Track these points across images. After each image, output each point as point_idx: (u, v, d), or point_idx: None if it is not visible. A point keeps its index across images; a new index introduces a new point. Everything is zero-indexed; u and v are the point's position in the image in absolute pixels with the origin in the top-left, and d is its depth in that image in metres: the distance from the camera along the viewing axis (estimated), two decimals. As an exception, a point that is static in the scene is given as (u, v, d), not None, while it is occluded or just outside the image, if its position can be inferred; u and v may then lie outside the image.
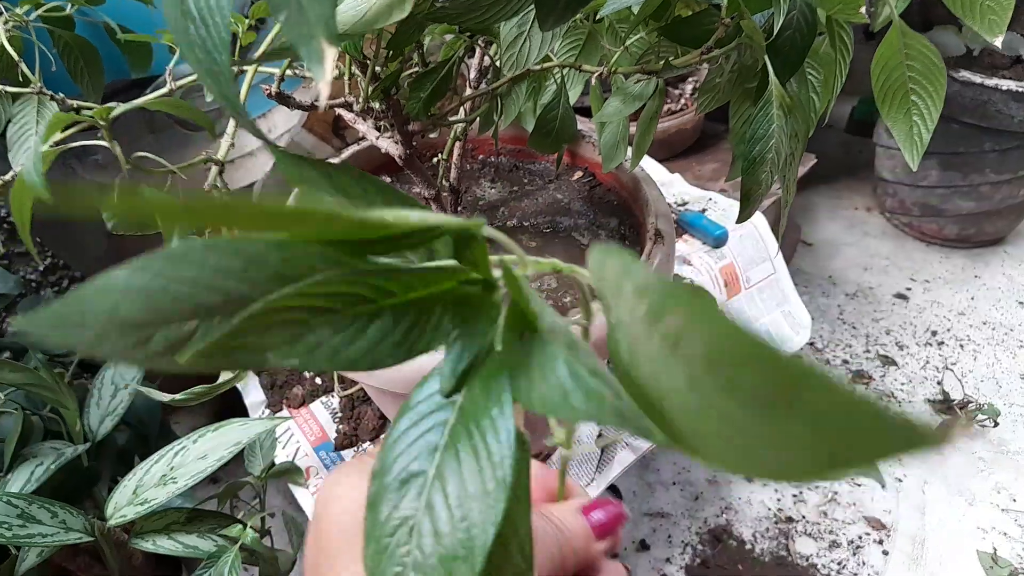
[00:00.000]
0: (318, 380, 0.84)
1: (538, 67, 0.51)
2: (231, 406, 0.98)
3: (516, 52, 0.48)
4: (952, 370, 1.28)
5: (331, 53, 0.19)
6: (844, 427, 0.12)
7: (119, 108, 0.39)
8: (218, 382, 0.37)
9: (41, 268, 1.05)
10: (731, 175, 0.55)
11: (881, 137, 1.48)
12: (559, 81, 0.58)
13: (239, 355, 0.18)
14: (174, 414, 1.19)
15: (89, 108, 0.39)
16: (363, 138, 0.69)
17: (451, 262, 0.22)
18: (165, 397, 0.36)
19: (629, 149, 0.60)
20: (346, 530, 0.26)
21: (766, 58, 0.46)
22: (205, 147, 0.86)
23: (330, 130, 1.01)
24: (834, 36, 0.49)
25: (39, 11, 0.61)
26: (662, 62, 0.46)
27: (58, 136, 0.59)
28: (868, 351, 1.32)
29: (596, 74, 0.49)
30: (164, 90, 0.61)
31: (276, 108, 0.99)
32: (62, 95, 0.57)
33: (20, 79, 0.56)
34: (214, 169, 0.40)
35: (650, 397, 0.17)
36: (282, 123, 0.98)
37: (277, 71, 0.50)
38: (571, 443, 0.27)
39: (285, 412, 0.82)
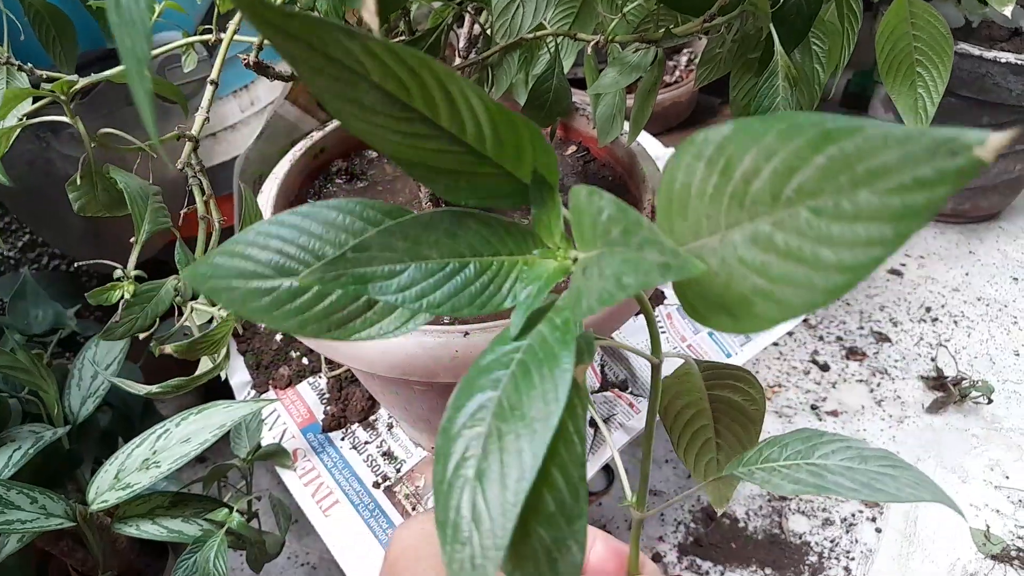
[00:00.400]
0: (305, 360, 0.82)
1: (531, 35, 0.49)
2: (217, 386, 0.96)
3: (508, 19, 0.46)
4: (946, 347, 1.27)
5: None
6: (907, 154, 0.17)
7: (80, 82, 0.36)
8: (197, 373, 0.35)
9: (20, 245, 1.02)
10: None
11: (877, 111, 1.46)
12: (553, 51, 0.55)
13: (347, 283, 0.23)
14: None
15: (51, 81, 0.37)
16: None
17: (532, 232, 0.27)
18: (141, 389, 0.34)
19: (626, 123, 0.58)
20: (410, 555, 0.32)
21: (771, 27, 0.44)
22: (184, 119, 0.83)
23: (315, 101, 0.98)
24: (842, 3, 0.47)
25: (6, -24, 0.58)
26: (662, 31, 0.44)
27: (28, 109, 0.56)
28: (862, 327, 1.31)
29: (592, 43, 0.47)
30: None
31: (259, 80, 0.96)
32: (31, 65, 0.54)
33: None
34: (188, 145, 0.38)
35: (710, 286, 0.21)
36: (265, 95, 0.95)
37: (255, 39, 0.47)
38: (644, 506, 0.28)
39: (271, 393, 0.81)
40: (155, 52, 0.58)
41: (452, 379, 0.51)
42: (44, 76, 0.55)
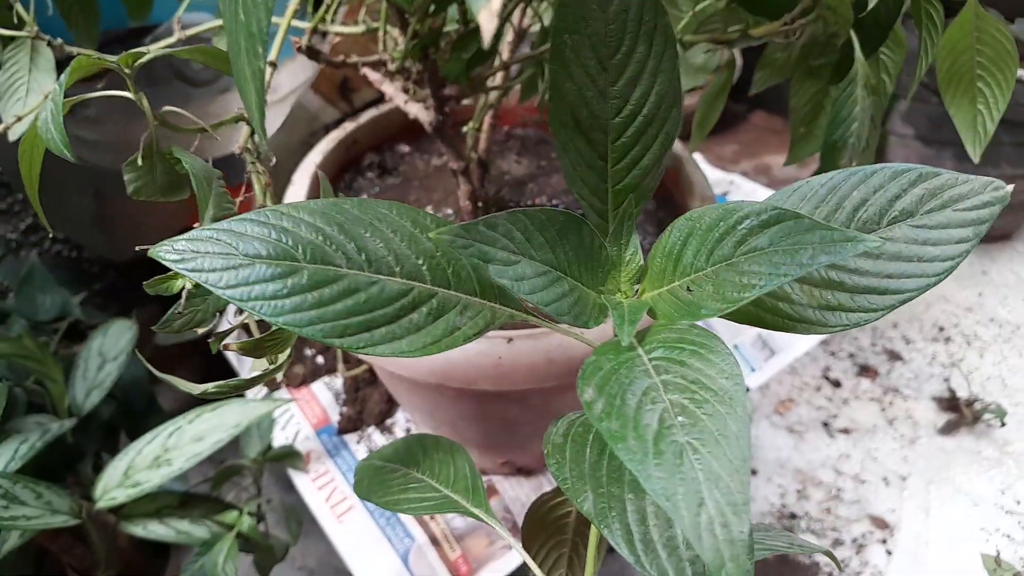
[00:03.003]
0: (320, 359, 0.80)
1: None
2: (221, 378, 0.93)
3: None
4: (958, 367, 1.25)
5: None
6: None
7: (148, 54, 0.34)
8: (255, 374, 0.32)
9: (22, 228, 0.99)
10: (791, 158, 0.51)
11: (895, 126, 1.44)
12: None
13: (472, 254, 0.25)
14: (159, 385, 1.14)
15: (110, 55, 0.34)
16: (374, 102, 0.64)
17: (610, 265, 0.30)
18: (195, 389, 0.31)
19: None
20: None
21: (852, 33, 0.42)
22: (206, 104, 0.80)
23: (336, 92, 0.95)
24: (920, 12, 0.45)
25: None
26: (737, 32, 0.41)
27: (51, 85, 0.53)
28: (875, 344, 1.29)
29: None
30: (172, 39, 0.55)
31: (280, 67, 0.93)
32: (60, 40, 0.51)
33: (15, 21, 0.50)
34: (245, 128, 0.35)
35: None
36: (287, 83, 0.92)
37: (306, 25, 0.45)
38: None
39: (284, 392, 0.78)
40: (188, 31, 0.56)
41: (492, 387, 0.49)
42: (75, 53, 0.52)
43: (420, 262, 0.28)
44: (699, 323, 0.26)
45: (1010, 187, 0.29)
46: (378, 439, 0.74)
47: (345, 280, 0.27)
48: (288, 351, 0.32)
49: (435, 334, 0.28)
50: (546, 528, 0.38)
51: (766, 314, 0.30)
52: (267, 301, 0.26)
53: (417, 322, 0.28)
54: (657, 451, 0.20)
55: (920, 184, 0.28)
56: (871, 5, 0.38)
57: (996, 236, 1.48)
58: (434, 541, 0.67)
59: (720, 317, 0.31)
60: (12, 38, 0.52)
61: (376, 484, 0.45)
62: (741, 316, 0.30)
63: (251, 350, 0.30)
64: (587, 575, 0.34)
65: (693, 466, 0.20)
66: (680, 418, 0.21)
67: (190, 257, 0.26)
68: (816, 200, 0.29)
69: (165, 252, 0.26)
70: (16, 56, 0.53)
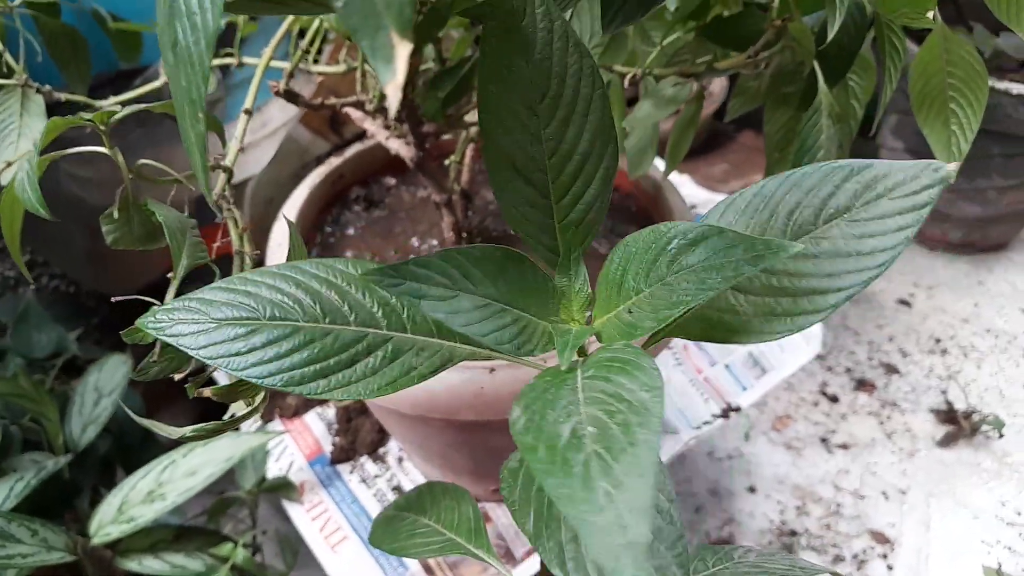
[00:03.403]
0: (314, 388, 0.80)
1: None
2: (217, 411, 0.93)
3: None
4: (956, 379, 1.25)
5: (403, 50, 0.15)
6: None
7: (121, 112, 0.35)
8: (234, 416, 0.33)
9: (20, 264, 1.00)
10: (765, 185, 0.52)
11: (886, 139, 1.45)
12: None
13: (404, 292, 0.25)
14: (154, 418, 1.14)
15: (88, 109, 0.36)
16: (364, 134, 0.65)
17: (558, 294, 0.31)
18: (174, 433, 0.32)
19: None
20: None
21: (815, 63, 0.43)
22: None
23: (327, 125, 0.97)
24: (884, 40, 0.46)
25: (24, -4, 0.57)
26: (703, 64, 0.42)
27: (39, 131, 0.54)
28: (871, 358, 1.29)
29: (628, 76, 0.46)
30: (157, 83, 0.57)
31: (271, 101, 0.94)
32: (49, 87, 0.53)
33: (4, 69, 0.52)
34: (222, 176, 0.36)
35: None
36: (278, 116, 0.93)
37: (285, 65, 0.46)
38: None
39: (278, 423, 0.78)
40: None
41: (475, 417, 0.50)
42: (63, 99, 0.54)
43: (375, 309, 0.30)
44: (687, 344, 0.27)
45: (952, 166, 0.28)
46: (371, 468, 0.74)
47: (301, 333, 0.29)
48: (263, 393, 0.33)
49: (391, 375, 0.30)
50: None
51: (714, 329, 0.30)
52: (232, 357, 0.29)
53: (373, 366, 0.30)
54: (564, 460, 0.21)
55: (853, 179, 0.28)
56: (830, 37, 0.38)
57: (992, 246, 1.48)
58: (427, 569, 0.67)
59: (676, 337, 0.31)
60: (1, 86, 0.53)
61: (387, 533, 0.48)
62: (690, 332, 0.31)
63: (225, 395, 0.31)
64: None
65: (598, 472, 0.20)
66: (590, 428, 0.22)
67: (167, 325, 0.29)
68: (751, 211, 0.29)
69: (148, 322, 0.30)
70: (7, 102, 0.54)
